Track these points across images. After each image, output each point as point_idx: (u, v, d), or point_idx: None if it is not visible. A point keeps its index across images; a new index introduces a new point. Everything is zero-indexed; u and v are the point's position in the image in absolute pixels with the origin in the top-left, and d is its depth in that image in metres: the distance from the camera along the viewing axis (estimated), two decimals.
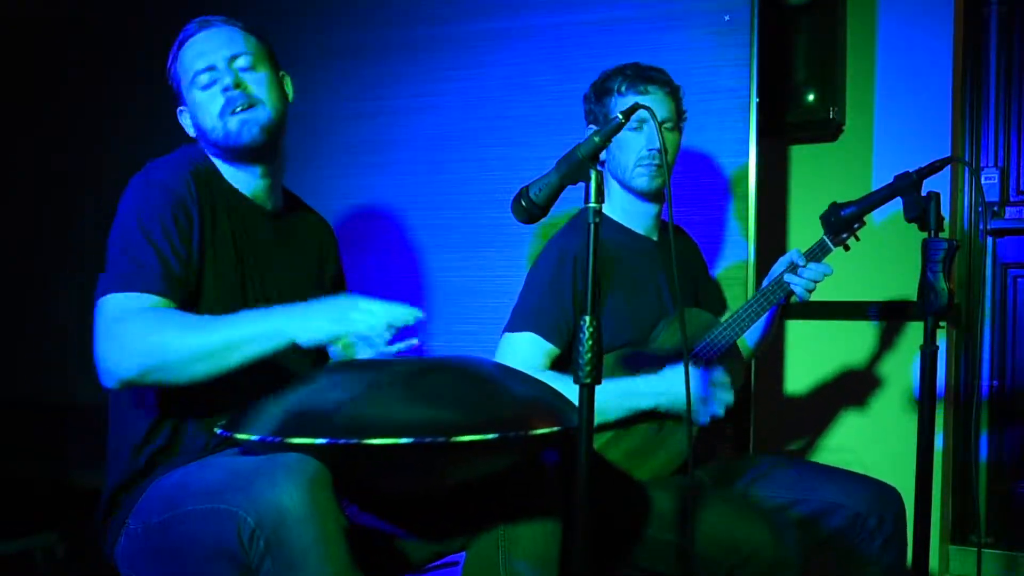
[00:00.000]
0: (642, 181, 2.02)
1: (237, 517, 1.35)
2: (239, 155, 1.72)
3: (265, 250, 1.76)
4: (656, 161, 1.99)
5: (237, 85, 1.69)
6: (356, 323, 1.48)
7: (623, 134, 1.97)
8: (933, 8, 2.77)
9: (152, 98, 3.04)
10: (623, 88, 2.00)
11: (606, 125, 1.41)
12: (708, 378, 1.88)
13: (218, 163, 1.75)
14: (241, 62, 1.71)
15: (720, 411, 1.87)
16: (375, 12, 2.84)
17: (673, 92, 2.04)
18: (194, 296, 1.61)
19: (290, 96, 1.81)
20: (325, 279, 1.91)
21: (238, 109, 1.68)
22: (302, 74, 2.86)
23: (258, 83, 1.72)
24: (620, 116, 1.40)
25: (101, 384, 1.50)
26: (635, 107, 1.44)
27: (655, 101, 1.99)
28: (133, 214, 1.58)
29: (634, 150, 2.00)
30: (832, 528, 1.95)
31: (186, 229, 1.60)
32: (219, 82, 1.69)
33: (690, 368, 1.85)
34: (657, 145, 1.97)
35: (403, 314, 1.49)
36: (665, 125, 2.01)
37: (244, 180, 1.75)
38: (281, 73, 1.80)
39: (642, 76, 2.01)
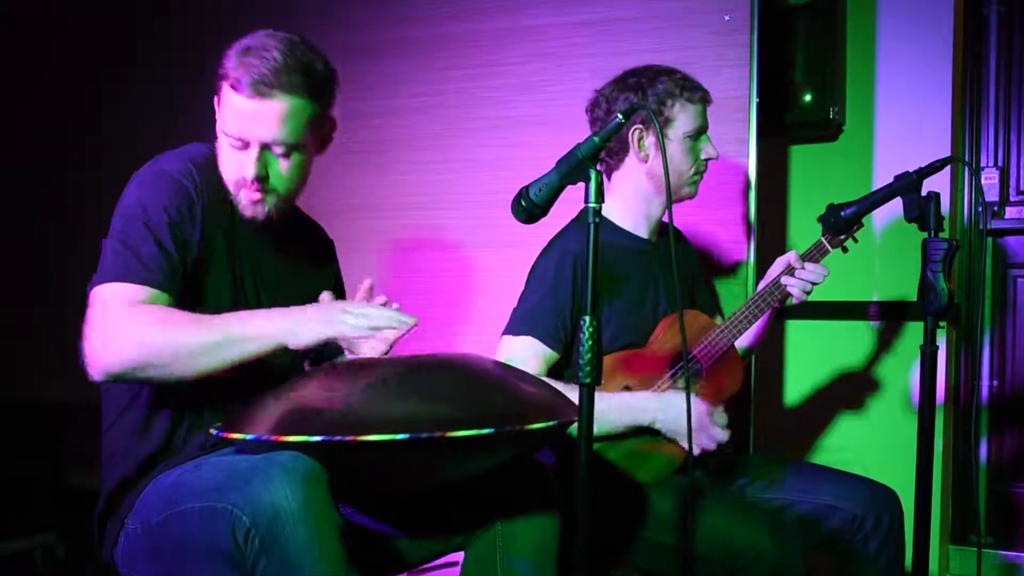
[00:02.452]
0: (694, 189, 2.07)
1: (232, 516, 1.35)
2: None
3: (260, 254, 1.74)
4: (704, 170, 2.06)
5: (260, 179, 1.63)
6: (345, 325, 1.49)
7: (684, 143, 1.99)
8: (933, 8, 2.77)
9: (150, 97, 3.06)
10: (693, 97, 2.00)
11: (606, 125, 1.41)
12: (708, 411, 1.88)
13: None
14: (278, 150, 1.63)
15: (711, 446, 1.87)
16: (375, 12, 2.83)
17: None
18: (195, 288, 1.61)
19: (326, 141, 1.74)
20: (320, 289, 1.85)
21: (253, 191, 1.64)
22: None
23: (284, 171, 1.65)
24: (620, 116, 1.40)
25: (88, 376, 1.49)
26: (635, 107, 1.44)
27: (704, 114, 2.04)
28: (137, 204, 1.58)
29: (691, 159, 2.02)
30: (830, 529, 1.96)
31: (189, 220, 1.60)
32: (247, 157, 1.62)
33: (695, 401, 1.84)
34: (714, 155, 2.05)
35: (392, 318, 1.50)
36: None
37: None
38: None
39: (699, 88, 2.02)
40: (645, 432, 1.91)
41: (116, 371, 1.46)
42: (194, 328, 1.48)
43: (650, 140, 2.01)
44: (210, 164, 1.68)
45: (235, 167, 1.64)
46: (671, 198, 1.80)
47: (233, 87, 1.59)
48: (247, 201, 1.65)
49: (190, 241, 1.60)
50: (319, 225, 1.96)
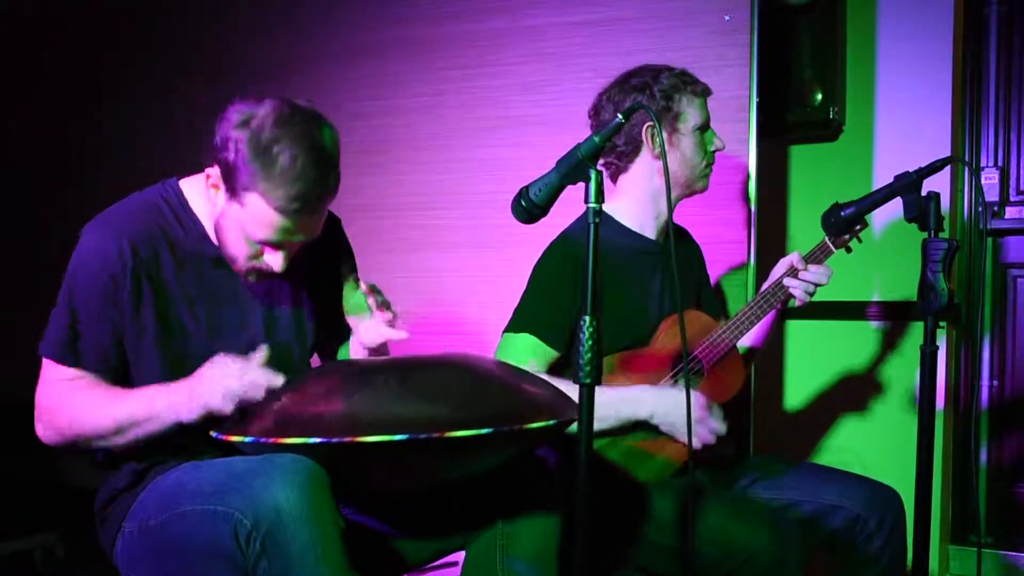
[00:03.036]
0: (706, 182, 2.08)
1: (234, 518, 1.35)
2: None
3: (235, 290, 1.68)
4: (713, 161, 2.07)
5: (273, 274, 1.60)
6: (232, 392, 1.44)
7: (695, 136, 2.01)
8: (933, 8, 2.77)
9: (150, 97, 3.06)
10: (697, 90, 2.02)
11: (605, 126, 1.40)
12: (706, 404, 1.88)
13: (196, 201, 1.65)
14: (296, 244, 1.58)
15: (710, 439, 1.87)
16: (375, 12, 2.83)
17: None
18: (143, 357, 1.59)
19: None
20: (320, 287, 1.81)
21: (263, 272, 1.61)
22: (302, 75, 2.88)
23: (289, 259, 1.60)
24: (620, 117, 1.40)
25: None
26: (635, 107, 1.44)
27: (706, 106, 2.04)
28: (71, 286, 1.59)
29: (702, 151, 2.04)
30: (832, 529, 1.95)
31: (118, 305, 1.57)
32: (274, 256, 1.57)
33: (693, 394, 1.84)
34: (721, 146, 2.05)
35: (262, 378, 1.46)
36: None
37: None
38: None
39: (699, 81, 2.03)
40: (643, 428, 1.91)
41: (53, 444, 1.60)
42: (106, 409, 1.53)
43: (664, 136, 2.01)
44: (164, 218, 1.62)
45: (249, 254, 1.57)
46: (671, 196, 1.79)
47: (271, 205, 1.48)
48: (253, 276, 1.62)
49: (121, 322, 1.58)
50: None
